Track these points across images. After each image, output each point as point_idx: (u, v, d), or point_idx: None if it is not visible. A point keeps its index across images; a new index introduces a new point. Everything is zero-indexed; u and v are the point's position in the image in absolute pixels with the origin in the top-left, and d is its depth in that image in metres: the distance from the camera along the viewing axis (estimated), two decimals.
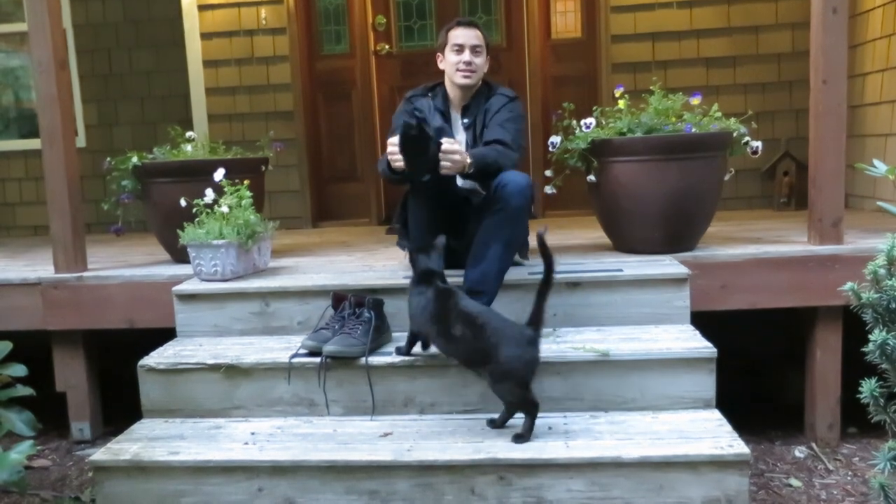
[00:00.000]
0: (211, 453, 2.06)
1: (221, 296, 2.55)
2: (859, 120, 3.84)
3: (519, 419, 2.03)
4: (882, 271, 1.52)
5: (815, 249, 2.57)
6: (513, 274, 2.45)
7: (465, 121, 2.61)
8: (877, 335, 1.47)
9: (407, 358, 2.21)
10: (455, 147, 2.24)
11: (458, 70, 2.55)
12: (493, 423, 2.10)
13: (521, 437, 2.00)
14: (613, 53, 4.19)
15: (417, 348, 2.22)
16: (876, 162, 1.66)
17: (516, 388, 1.98)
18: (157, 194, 2.93)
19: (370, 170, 4.36)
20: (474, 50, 2.55)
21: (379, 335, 2.30)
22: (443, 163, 2.20)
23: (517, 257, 2.55)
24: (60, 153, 2.73)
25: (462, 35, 2.55)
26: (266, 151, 3.19)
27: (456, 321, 2.03)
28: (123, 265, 2.99)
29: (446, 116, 2.62)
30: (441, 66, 2.63)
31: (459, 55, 2.54)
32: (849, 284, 1.54)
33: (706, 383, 2.17)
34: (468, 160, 2.26)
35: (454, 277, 2.36)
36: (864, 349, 1.50)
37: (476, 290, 2.27)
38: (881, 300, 1.50)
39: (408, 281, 2.46)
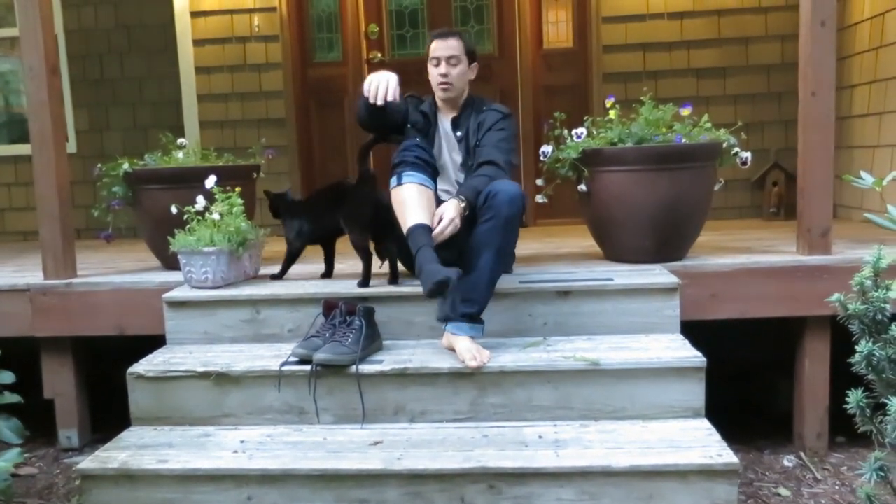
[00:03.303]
0: (200, 461, 2.05)
1: (212, 303, 2.55)
2: (847, 131, 3.88)
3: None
4: (868, 283, 1.53)
5: (803, 259, 2.59)
6: (504, 283, 2.45)
7: (458, 133, 2.61)
8: (863, 346, 1.48)
9: (398, 366, 2.21)
10: (444, 226, 2.25)
11: (437, 84, 2.58)
12: (360, 284, 2.55)
13: (363, 283, 2.53)
14: (605, 63, 4.22)
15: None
16: (863, 173, 1.67)
17: (356, 226, 2.52)
18: (148, 201, 2.92)
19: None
20: (449, 61, 2.55)
21: (370, 343, 2.30)
22: (442, 235, 2.25)
23: None
24: (51, 158, 2.72)
25: (438, 48, 2.56)
26: (258, 158, 3.19)
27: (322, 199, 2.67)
28: (113, 272, 2.98)
29: (433, 121, 2.64)
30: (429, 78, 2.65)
31: (436, 68, 2.56)
32: (836, 295, 1.56)
33: (696, 392, 2.18)
34: (463, 206, 2.30)
35: None
36: (850, 360, 1.51)
37: (467, 299, 2.27)
38: (867, 311, 1.51)
39: (400, 289, 2.49)
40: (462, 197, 2.33)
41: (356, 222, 2.56)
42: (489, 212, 2.29)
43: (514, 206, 2.29)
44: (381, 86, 2.33)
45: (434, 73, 2.58)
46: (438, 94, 2.60)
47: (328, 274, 2.77)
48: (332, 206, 2.62)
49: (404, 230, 2.32)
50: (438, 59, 2.56)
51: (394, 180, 2.39)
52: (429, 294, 2.15)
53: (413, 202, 2.33)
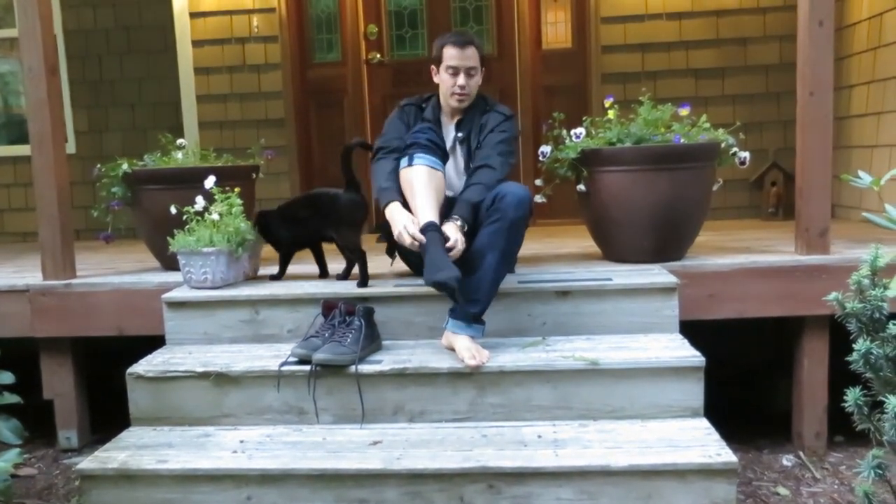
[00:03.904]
0: (199, 462, 2.05)
1: (211, 303, 2.55)
2: (846, 131, 3.88)
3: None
4: (866, 281, 1.54)
5: (802, 259, 2.60)
6: (503, 283, 2.44)
7: (460, 134, 2.61)
8: (861, 344, 1.49)
9: (397, 366, 2.21)
10: (451, 244, 2.26)
11: (452, 93, 2.55)
12: (338, 276, 2.69)
13: (362, 283, 2.54)
14: (603, 64, 4.23)
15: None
16: (861, 173, 1.68)
17: (350, 231, 2.57)
18: (147, 201, 2.92)
19: (361, 178, 4.36)
20: (468, 72, 2.53)
21: (369, 343, 2.31)
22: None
23: None
24: (50, 159, 2.72)
25: (456, 56, 2.51)
26: (257, 159, 3.19)
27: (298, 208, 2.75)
28: (112, 272, 2.98)
29: (438, 125, 2.63)
30: (435, 79, 2.62)
31: (454, 78, 2.52)
32: (833, 294, 1.56)
33: (694, 392, 2.18)
34: (459, 223, 2.32)
35: None
36: (849, 358, 1.51)
37: (470, 299, 2.28)
38: (865, 310, 1.51)
39: (399, 289, 2.50)
40: (456, 217, 2.34)
41: (349, 226, 2.61)
42: (496, 213, 2.30)
43: (521, 209, 2.30)
44: (409, 242, 2.29)
45: (450, 83, 2.54)
46: (451, 103, 2.58)
47: (324, 274, 2.79)
48: (313, 215, 2.68)
49: (413, 210, 2.34)
50: (457, 69, 2.51)
51: (404, 161, 2.40)
52: (427, 284, 2.18)
53: (422, 185, 2.34)
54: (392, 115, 2.69)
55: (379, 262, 2.95)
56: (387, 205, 2.40)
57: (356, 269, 2.61)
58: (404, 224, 2.30)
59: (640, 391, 2.18)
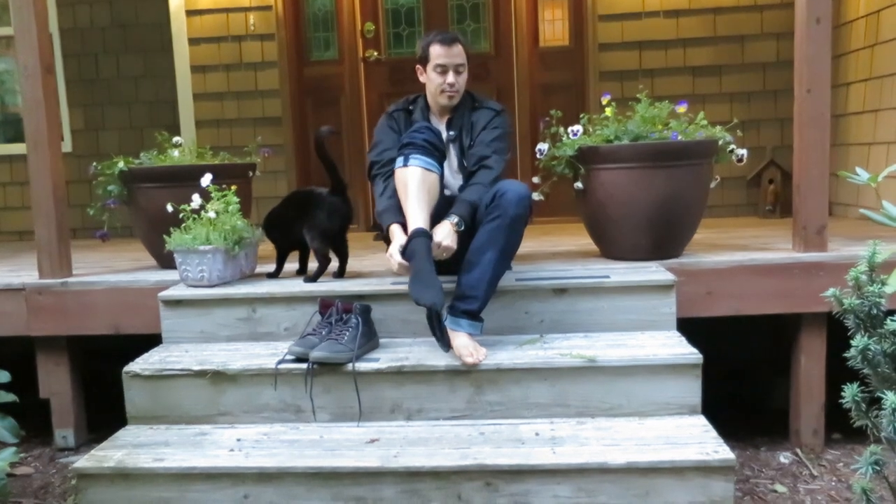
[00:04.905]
0: (196, 460, 2.04)
1: (208, 302, 2.54)
2: (843, 128, 3.89)
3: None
4: (864, 277, 1.54)
5: (799, 256, 2.60)
6: (500, 281, 2.44)
7: (451, 133, 2.61)
8: (858, 341, 1.48)
9: (394, 364, 2.21)
10: (439, 242, 2.28)
11: (442, 91, 2.56)
12: (335, 274, 2.66)
13: (309, 278, 2.60)
14: (601, 61, 4.23)
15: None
16: (859, 170, 1.68)
17: (320, 237, 2.60)
18: (144, 199, 2.92)
19: (358, 176, 4.36)
20: (457, 69, 2.54)
21: (366, 341, 2.30)
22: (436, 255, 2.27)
23: None
24: (46, 158, 2.71)
25: (444, 55, 2.53)
26: (254, 157, 3.18)
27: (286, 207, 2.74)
28: (109, 271, 2.97)
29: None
30: (422, 79, 2.62)
31: (443, 76, 2.54)
32: (831, 291, 1.56)
33: (692, 389, 2.18)
34: (455, 221, 2.33)
35: (448, 284, 2.35)
36: (846, 354, 1.51)
37: (468, 296, 2.28)
38: (863, 306, 1.51)
39: (396, 287, 2.48)
40: (453, 215, 2.34)
41: (318, 230, 2.61)
42: (496, 210, 2.30)
43: (521, 206, 2.30)
44: (395, 265, 2.31)
45: (438, 81, 2.55)
46: (442, 101, 2.58)
47: (302, 271, 2.79)
48: (299, 215, 2.67)
49: (404, 212, 2.34)
50: (445, 67, 2.53)
51: (400, 160, 2.38)
52: (412, 298, 2.18)
53: (415, 187, 2.32)
54: (380, 123, 2.69)
55: (376, 259, 2.95)
56: (388, 227, 2.42)
57: (357, 267, 2.60)
58: (397, 248, 2.31)
59: (637, 388, 2.18)
